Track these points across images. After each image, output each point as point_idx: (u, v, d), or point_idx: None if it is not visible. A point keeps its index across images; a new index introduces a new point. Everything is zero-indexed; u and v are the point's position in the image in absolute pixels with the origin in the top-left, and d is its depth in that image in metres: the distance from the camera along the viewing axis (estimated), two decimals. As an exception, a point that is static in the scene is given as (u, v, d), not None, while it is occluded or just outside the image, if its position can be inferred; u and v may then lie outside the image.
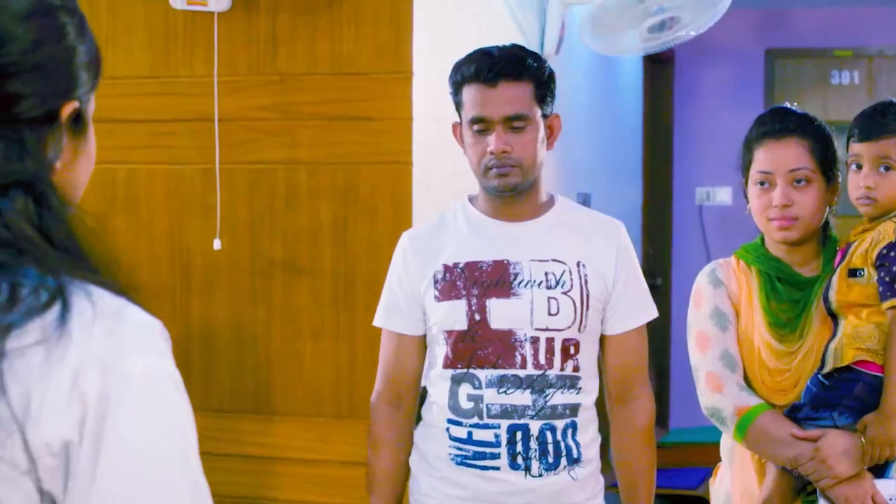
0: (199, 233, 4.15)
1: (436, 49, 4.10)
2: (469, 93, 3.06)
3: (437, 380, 3.13)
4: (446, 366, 3.08)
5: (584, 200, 6.12)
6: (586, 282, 3.06)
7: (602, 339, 3.16)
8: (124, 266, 1.38)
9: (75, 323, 1.26)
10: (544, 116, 3.09)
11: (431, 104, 4.05)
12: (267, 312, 4.12)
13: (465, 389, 3.06)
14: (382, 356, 3.24)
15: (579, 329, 3.06)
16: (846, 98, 8.53)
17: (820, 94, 8.63)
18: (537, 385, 3.02)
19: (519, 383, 3.02)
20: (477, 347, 3.04)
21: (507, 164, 3.02)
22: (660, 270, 8.50)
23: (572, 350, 3.05)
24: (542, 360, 3.02)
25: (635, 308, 3.15)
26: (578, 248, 3.09)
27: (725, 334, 3.13)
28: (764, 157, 3.10)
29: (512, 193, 3.07)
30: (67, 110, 1.38)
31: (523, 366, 3.02)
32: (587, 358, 3.09)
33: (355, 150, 4.00)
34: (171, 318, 4.18)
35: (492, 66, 3.03)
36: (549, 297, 3.03)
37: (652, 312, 3.20)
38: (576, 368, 3.06)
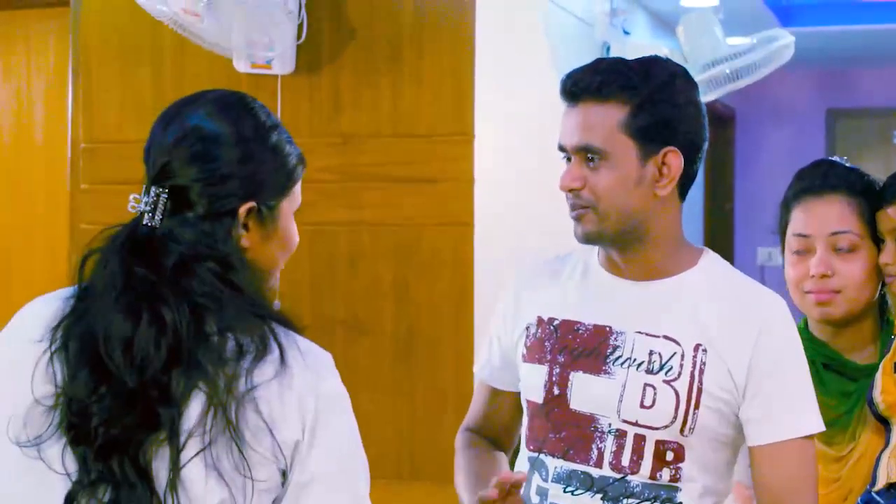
0: (261, 293, 4.16)
1: (497, 111, 4.11)
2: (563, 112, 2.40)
3: (520, 460, 2.49)
4: (526, 444, 2.45)
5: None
6: (701, 372, 2.30)
7: (749, 451, 2.36)
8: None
9: (290, 360, 1.84)
10: (649, 152, 2.32)
11: (493, 165, 4.06)
12: (328, 373, 4.12)
13: (535, 479, 2.40)
14: (472, 405, 2.65)
15: (682, 431, 2.30)
16: (910, 158, 8.48)
17: (882, 153, 8.59)
18: (612, 491, 2.31)
19: (589, 484, 2.33)
20: (550, 429, 2.38)
21: (577, 204, 2.33)
22: (721, 331, 8.44)
23: (670, 456, 2.31)
24: (626, 461, 2.31)
25: (783, 414, 2.31)
26: (703, 327, 2.32)
27: None
28: (802, 218, 2.59)
29: (596, 245, 2.41)
30: (243, 210, 1.90)
31: (598, 464, 2.32)
32: (698, 469, 2.32)
33: (417, 211, 4.02)
34: (232, 377, 4.20)
35: (573, 80, 2.34)
36: (645, 384, 2.31)
37: (810, 424, 2.33)
38: (675, 479, 2.31)
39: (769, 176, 8.68)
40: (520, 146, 4.24)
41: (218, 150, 1.91)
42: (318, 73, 4.12)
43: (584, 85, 2.32)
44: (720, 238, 8.55)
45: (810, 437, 2.33)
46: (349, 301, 4.10)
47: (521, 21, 4.52)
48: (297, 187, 2.05)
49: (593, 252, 2.46)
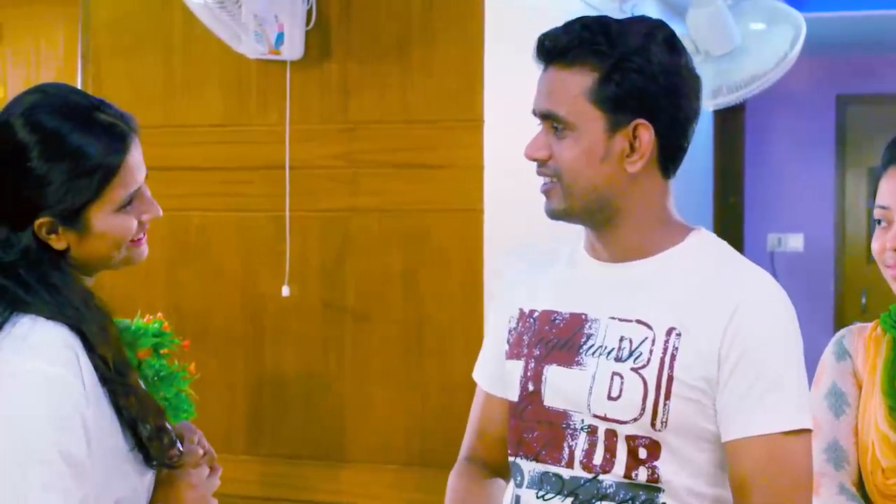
0: (270, 280, 4.17)
1: (507, 97, 4.10)
2: None
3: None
4: (508, 448, 2.24)
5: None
6: (672, 358, 2.03)
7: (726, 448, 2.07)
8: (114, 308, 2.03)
9: None
10: (617, 124, 2.07)
11: (503, 152, 4.05)
12: (337, 359, 4.13)
13: (511, 487, 2.21)
14: (471, 416, 2.38)
15: (654, 424, 2.04)
16: (920, 144, 8.45)
17: (893, 139, 8.56)
18: (583, 493, 2.08)
19: (560, 487, 2.10)
20: (524, 429, 2.16)
21: (544, 173, 2.14)
22: (731, 317, 8.44)
23: (644, 453, 2.05)
24: (598, 459, 2.07)
25: (756, 406, 2.01)
26: (678, 308, 2.06)
27: (839, 421, 2.35)
28: (883, 188, 2.36)
29: (565, 221, 2.17)
30: (37, 225, 1.98)
31: (569, 464, 2.10)
32: (679, 469, 2.06)
33: (426, 197, 4.01)
34: (242, 364, 4.20)
35: (543, 40, 2.14)
36: (613, 373, 2.06)
37: (793, 419, 2.02)
38: (653, 479, 2.05)
39: (779, 163, 8.67)
40: (529, 132, 4.23)
41: (4, 169, 1.99)
42: (327, 60, 4.12)
43: (551, 46, 2.12)
44: (730, 225, 8.55)
45: (793, 433, 2.02)
46: (359, 289, 4.10)
47: (531, 7, 4.52)
48: (123, 177, 2.03)
49: (581, 236, 2.23)
